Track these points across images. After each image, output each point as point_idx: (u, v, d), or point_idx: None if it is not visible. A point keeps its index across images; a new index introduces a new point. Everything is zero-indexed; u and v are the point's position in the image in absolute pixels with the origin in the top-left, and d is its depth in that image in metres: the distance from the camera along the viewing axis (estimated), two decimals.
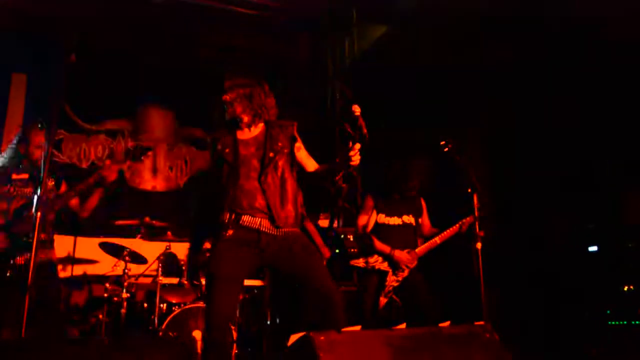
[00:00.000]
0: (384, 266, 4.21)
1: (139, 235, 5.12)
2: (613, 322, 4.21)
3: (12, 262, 3.60)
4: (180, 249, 5.42)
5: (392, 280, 4.19)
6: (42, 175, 2.81)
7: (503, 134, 5.40)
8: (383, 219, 4.34)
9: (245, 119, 2.97)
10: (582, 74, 4.71)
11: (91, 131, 6.51)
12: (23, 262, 3.61)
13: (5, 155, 3.94)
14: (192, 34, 6.51)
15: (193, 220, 2.92)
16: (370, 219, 4.36)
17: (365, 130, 2.77)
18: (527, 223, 4.89)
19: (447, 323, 2.32)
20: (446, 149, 4.10)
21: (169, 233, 5.23)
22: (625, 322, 4.14)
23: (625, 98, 4.50)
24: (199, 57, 6.66)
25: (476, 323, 2.39)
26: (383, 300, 4.16)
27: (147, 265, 5.17)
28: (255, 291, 5.48)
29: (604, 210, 4.38)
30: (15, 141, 3.92)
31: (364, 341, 2.04)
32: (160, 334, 4.63)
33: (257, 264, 2.77)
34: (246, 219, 2.76)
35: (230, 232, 2.69)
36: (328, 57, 7.03)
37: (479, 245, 3.68)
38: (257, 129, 3.02)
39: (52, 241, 4.03)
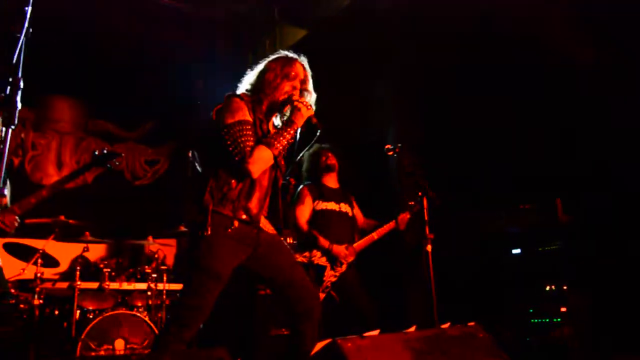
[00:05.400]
0: (322, 261, 4.17)
1: (53, 236, 4.65)
2: (535, 320, 4.52)
3: None
4: (99, 251, 5.03)
5: (330, 276, 4.15)
6: None
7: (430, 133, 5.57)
8: (321, 205, 4.32)
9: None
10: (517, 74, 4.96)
11: None
12: None
13: None
14: (104, 20, 6.08)
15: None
16: (308, 210, 4.33)
17: (315, 120, 2.74)
18: (452, 226, 5.08)
19: (447, 324, 2.35)
20: (391, 153, 4.15)
21: (87, 233, 4.80)
22: (547, 320, 4.46)
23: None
24: (114, 48, 6.21)
25: (469, 324, 2.44)
26: (321, 296, 4.11)
27: (61, 269, 4.73)
28: (178, 295, 5.21)
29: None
30: None
31: (385, 345, 2.01)
32: (80, 344, 4.26)
33: (242, 262, 2.61)
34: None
35: (235, 224, 2.50)
36: (249, 55, 6.92)
37: (429, 247, 3.77)
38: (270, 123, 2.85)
39: None
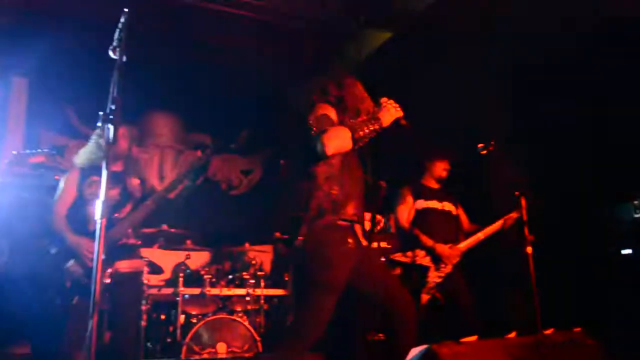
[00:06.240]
0: (426, 261, 4.06)
1: (157, 245, 4.91)
2: None
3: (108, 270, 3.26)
4: (200, 258, 5.25)
5: (434, 276, 4.03)
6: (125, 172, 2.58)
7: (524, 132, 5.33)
8: (422, 204, 4.23)
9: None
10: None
11: None
12: (114, 271, 3.34)
13: (87, 153, 3.61)
14: (196, 37, 6.35)
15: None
16: (410, 209, 4.27)
17: (404, 122, 2.71)
18: (555, 225, 4.83)
19: (550, 330, 2.24)
20: (485, 152, 4.02)
21: (188, 242, 5.04)
22: None
23: None
24: (205, 60, 6.48)
25: (574, 330, 2.31)
26: (425, 297, 4.00)
27: (165, 276, 4.99)
28: (275, 300, 5.33)
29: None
30: (96, 134, 3.58)
31: (484, 351, 1.94)
32: (185, 347, 4.45)
33: (350, 269, 2.60)
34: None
35: (342, 234, 2.50)
36: (334, 62, 6.97)
37: (529, 249, 3.60)
38: None
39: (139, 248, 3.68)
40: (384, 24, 6.67)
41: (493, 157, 3.99)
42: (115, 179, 3.54)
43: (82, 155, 3.53)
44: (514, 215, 4.11)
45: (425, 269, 4.04)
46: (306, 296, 2.52)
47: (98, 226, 2.78)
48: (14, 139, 5.88)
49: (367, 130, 2.52)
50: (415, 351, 1.88)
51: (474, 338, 1.98)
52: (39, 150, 3.15)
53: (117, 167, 3.63)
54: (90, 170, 3.53)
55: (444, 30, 5.87)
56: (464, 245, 4.15)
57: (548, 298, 3.64)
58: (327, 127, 2.47)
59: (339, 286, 2.46)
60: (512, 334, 2.11)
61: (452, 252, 4.07)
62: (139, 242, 3.64)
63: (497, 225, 4.14)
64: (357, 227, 2.63)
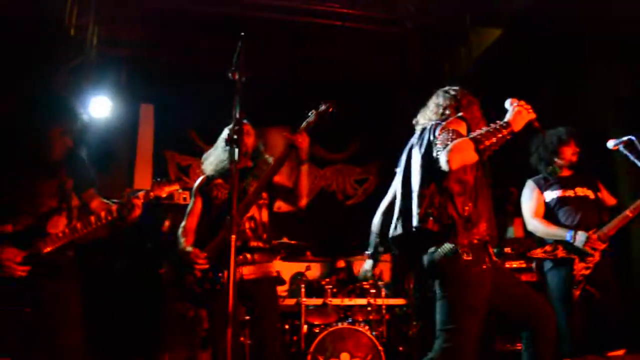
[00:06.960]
0: (567, 253, 3.76)
1: (279, 256, 5.04)
2: None
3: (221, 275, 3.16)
4: (320, 269, 5.32)
5: (580, 268, 3.69)
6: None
7: None
8: (551, 194, 3.93)
9: None
10: None
11: None
12: (239, 277, 3.23)
13: (214, 160, 3.61)
14: (306, 50, 6.48)
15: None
16: (538, 203, 3.98)
17: (537, 124, 2.57)
18: None
19: None
20: (615, 147, 3.70)
21: (308, 253, 5.14)
22: None
23: None
24: (316, 73, 6.59)
25: None
26: (576, 293, 3.67)
27: (287, 287, 5.11)
28: (397, 310, 5.27)
29: None
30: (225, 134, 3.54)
31: None
32: (309, 357, 4.51)
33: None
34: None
35: (487, 260, 2.42)
36: (444, 66, 6.83)
37: None
38: None
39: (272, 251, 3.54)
40: (493, 21, 6.45)
41: (623, 154, 3.67)
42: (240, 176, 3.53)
43: (209, 164, 3.62)
44: None
45: (570, 261, 3.72)
46: (455, 319, 2.43)
47: (229, 243, 2.87)
48: (143, 160, 6.34)
49: (494, 139, 2.39)
50: None
51: (621, 352, 1.81)
52: (174, 179, 3.26)
53: (243, 164, 3.56)
54: (215, 176, 3.55)
55: (553, 25, 5.56)
56: (609, 228, 3.75)
57: None
58: (452, 142, 2.39)
59: (485, 307, 2.40)
60: None
61: (594, 236, 3.72)
62: (263, 246, 3.52)
63: None
64: (489, 245, 2.52)
